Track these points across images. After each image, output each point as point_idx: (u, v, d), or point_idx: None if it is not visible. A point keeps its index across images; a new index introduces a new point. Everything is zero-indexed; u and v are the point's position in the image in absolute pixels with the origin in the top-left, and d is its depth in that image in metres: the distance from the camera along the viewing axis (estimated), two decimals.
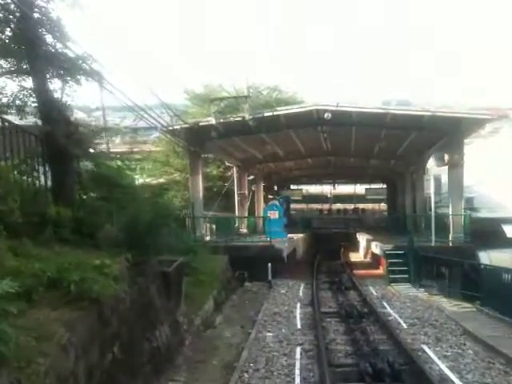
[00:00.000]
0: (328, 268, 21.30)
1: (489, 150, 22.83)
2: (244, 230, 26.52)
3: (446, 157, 16.66)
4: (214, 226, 23.02)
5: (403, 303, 12.80)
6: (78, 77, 9.79)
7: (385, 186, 39.38)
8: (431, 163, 25.49)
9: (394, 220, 36.12)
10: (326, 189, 48.81)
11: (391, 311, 11.82)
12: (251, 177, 29.76)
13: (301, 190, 40.43)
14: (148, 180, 35.80)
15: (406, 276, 15.90)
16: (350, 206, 46.21)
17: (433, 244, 16.64)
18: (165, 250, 12.63)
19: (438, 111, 16.05)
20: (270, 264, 15.96)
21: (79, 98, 10.82)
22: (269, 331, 10.07)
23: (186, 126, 17.41)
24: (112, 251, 8.78)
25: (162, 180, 35.45)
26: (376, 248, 18.85)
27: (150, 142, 36.21)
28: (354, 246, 33.56)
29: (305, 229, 32.34)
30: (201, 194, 18.79)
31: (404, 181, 31.10)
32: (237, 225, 26.61)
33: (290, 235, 23.72)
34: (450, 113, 16.06)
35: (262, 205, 29.51)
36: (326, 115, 16.42)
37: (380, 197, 38.35)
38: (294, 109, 16.75)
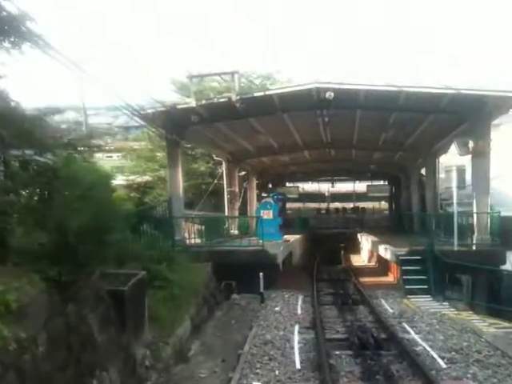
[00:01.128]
0: (329, 275, 18.60)
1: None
2: (235, 232, 23.88)
3: (471, 144, 13.99)
4: (202, 228, 20.36)
5: (430, 325, 10.09)
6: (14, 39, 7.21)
7: (386, 182, 36.78)
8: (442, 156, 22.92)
9: (397, 219, 33.59)
10: (324, 187, 46.25)
11: (417, 338, 9.12)
12: (243, 173, 27.06)
13: (297, 187, 37.68)
14: (132, 178, 33.19)
15: (426, 287, 13.23)
16: (349, 205, 43.62)
17: (455, 248, 13.98)
18: (123, 260, 9.93)
19: (464, 89, 13.38)
20: (261, 273, 13.24)
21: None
22: (256, 373, 7.33)
23: (163, 109, 14.64)
24: (31, 267, 6.18)
25: (147, 178, 32.85)
26: (386, 252, 16.18)
27: (134, 139, 33.56)
28: (355, 248, 31.01)
29: (302, 229, 29.63)
30: (181, 190, 16.02)
31: (410, 176, 28.47)
32: (226, 226, 23.99)
33: (285, 237, 21.08)
34: (478, 91, 13.39)
35: (255, 204, 26.81)
36: (327, 94, 13.70)
37: (383, 194, 35.66)
38: (290, 87, 14.02)
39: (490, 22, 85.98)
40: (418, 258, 13.75)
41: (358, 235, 29.42)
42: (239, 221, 24.45)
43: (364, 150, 24.64)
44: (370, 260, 22.47)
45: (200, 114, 14.87)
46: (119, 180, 33.49)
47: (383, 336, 9.17)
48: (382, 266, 19.60)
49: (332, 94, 13.67)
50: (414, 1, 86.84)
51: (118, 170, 37.04)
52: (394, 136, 19.38)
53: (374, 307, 11.76)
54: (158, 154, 30.94)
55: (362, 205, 41.34)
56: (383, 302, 12.71)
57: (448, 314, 11.17)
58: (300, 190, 39.56)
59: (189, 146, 31.76)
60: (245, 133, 18.85)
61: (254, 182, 28.48)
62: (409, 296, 13.07)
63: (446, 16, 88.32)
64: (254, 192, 28.57)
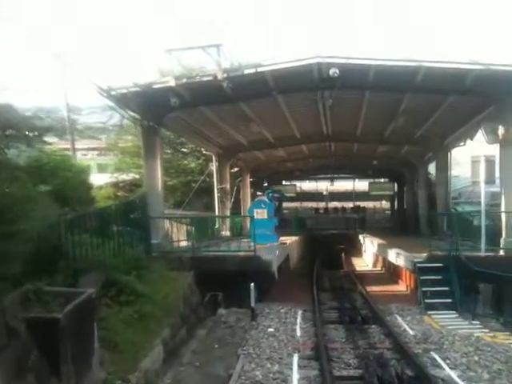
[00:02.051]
0: (331, 282, 16.38)
1: None
2: (226, 233, 21.69)
3: (501, 130, 11.82)
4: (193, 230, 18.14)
5: (465, 355, 7.84)
6: None
7: (388, 180, 34.56)
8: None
9: (401, 220, 31.43)
10: (322, 185, 44.10)
11: (454, 376, 6.89)
12: (236, 169, 24.81)
13: (294, 185, 35.41)
14: (121, 176, 30.99)
15: (449, 300, 11.02)
16: (348, 205, 41.46)
17: (483, 253, 11.78)
18: (81, 270, 7.83)
19: (494, 64, 11.20)
20: (253, 284, 11.01)
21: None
22: None
23: (136, 89, 12.39)
24: None
25: (134, 175, 30.59)
26: (398, 258, 13.97)
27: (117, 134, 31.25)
28: (356, 250, 28.89)
29: (299, 230, 27.41)
30: (160, 186, 13.73)
31: (416, 173, 26.34)
32: (217, 226, 21.79)
33: (282, 239, 18.93)
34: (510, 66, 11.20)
35: (249, 203, 24.58)
36: (331, 72, 11.49)
37: (386, 193, 33.45)
38: (287, 63, 11.78)
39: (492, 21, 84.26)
40: (440, 265, 11.55)
41: (360, 237, 27.25)
42: (231, 221, 22.27)
43: (367, 144, 22.45)
44: (375, 265, 20.31)
45: (181, 95, 12.61)
46: (108, 179, 31.47)
47: (409, 373, 6.95)
48: (391, 272, 17.42)
49: (337, 71, 11.45)
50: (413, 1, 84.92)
51: (102, 167, 35.04)
52: (404, 126, 17.17)
53: (390, 327, 9.54)
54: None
55: (362, 204, 39.22)
56: (399, 319, 10.48)
57: (483, 338, 8.97)
58: (297, 188, 37.35)
59: (179, 142, 29.91)
60: (235, 122, 16.61)
61: (248, 180, 26.25)
62: (429, 312, 10.86)
63: (446, 16, 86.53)
64: (248, 190, 26.36)
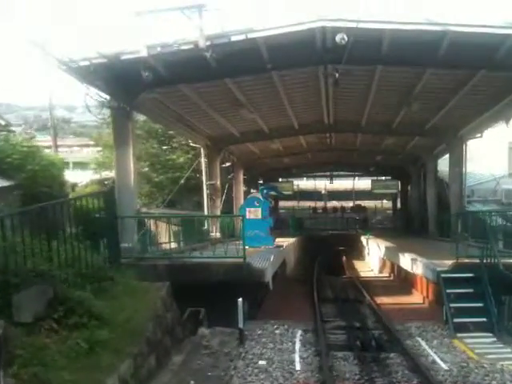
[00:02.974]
0: (334, 291, 14.24)
1: None
2: (216, 235, 19.58)
3: None
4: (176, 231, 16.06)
5: None
6: None
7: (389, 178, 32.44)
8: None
9: (405, 220, 29.40)
10: (320, 184, 42.03)
11: None
12: (227, 164, 22.65)
13: (291, 182, 33.23)
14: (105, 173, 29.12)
15: (484, 319, 8.91)
16: (347, 204, 39.37)
17: None
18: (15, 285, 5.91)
19: None
20: (241, 300, 8.86)
21: None
22: None
23: (102, 61, 10.21)
24: None
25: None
26: (415, 265, 11.82)
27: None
28: (358, 252, 26.89)
29: (296, 231, 25.29)
30: (132, 179, 11.53)
31: (423, 169, 24.36)
32: (206, 227, 19.69)
33: (278, 240, 16.89)
34: None
35: (242, 201, 22.44)
36: (338, 38, 9.32)
37: (390, 191, 31.32)
38: (283, 27, 9.61)
39: None
40: (470, 275, 9.44)
41: (362, 238, 25.17)
42: (222, 221, 20.14)
43: (373, 136, 20.36)
44: (381, 270, 18.21)
45: (155, 69, 10.43)
46: (94, 176, 29.30)
47: None
48: (401, 280, 15.33)
49: (345, 36, 9.30)
50: None
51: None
52: (416, 113, 15.08)
53: (415, 358, 7.41)
54: None
55: (363, 203, 37.14)
56: (423, 344, 8.35)
57: None
58: (294, 187, 35.18)
59: (168, 136, 27.70)
60: (224, 106, 14.46)
61: (241, 176, 24.12)
62: (459, 334, 8.74)
63: None
64: (241, 187, 24.23)
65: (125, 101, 11.04)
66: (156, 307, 8.56)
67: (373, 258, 20.51)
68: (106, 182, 28.08)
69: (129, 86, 10.90)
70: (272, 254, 12.80)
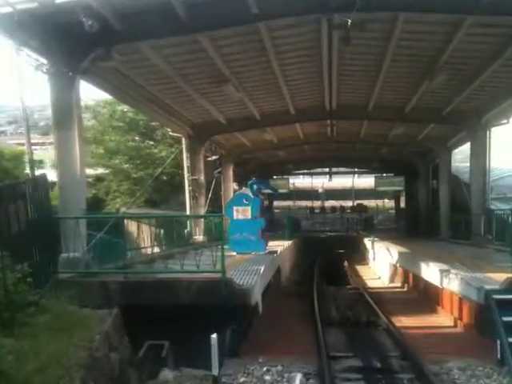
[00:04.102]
0: (340, 309, 11.55)
1: None
2: (200, 238, 17.05)
3: None
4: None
5: None
6: None
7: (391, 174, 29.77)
8: None
9: (412, 220, 26.84)
10: (318, 182, 39.48)
11: None
12: (214, 157, 20.01)
13: (287, 179, 30.52)
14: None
15: None
16: (347, 203, 36.80)
17: None
18: None
19: None
20: (215, 336, 6.19)
21: None
22: None
23: (31, 6, 7.53)
24: None
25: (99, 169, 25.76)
26: (446, 278, 9.12)
27: None
28: (360, 256, 24.35)
29: (292, 233, 22.60)
30: (78, 170, 8.77)
31: (433, 163, 21.86)
32: (188, 229, 17.16)
33: (271, 244, 14.36)
34: None
35: None
36: None
37: (396, 188, 28.65)
38: None
39: None
40: None
41: (366, 241, 22.57)
42: (208, 222, 17.51)
43: (380, 124, 17.78)
44: (392, 279, 15.58)
45: (104, 20, 7.76)
46: None
47: None
48: (419, 292, 12.70)
49: None
50: None
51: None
52: (437, 92, 12.53)
53: None
54: (111, 137, 23.84)
55: (364, 203, 34.58)
56: None
57: None
58: (290, 185, 32.47)
59: (149, 127, 25.02)
60: (204, 81, 11.81)
61: (231, 171, 21.48)
62: None
63: None
64: (231, 185, 21.64)
65: (66, 64, 8.32)
66: (93, 346, 5.88)
67: (379, 263, 17.89)
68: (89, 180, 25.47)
69: (71, 43, 8.19)
70: (263, 263, 10.18)
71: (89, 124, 24.92)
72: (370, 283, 16.39)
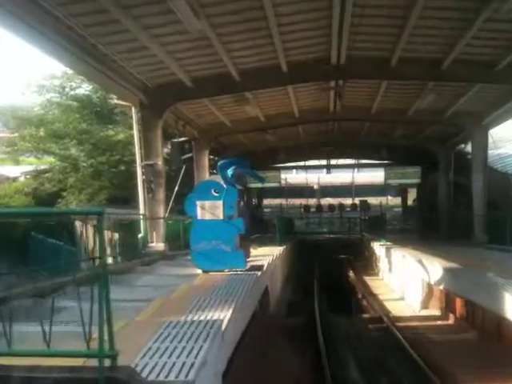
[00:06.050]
0: (364, 368, 6.95)
1: None
2: (159, 246, 12.56)
3: None
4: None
5: None
6: None
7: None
8: None
9: (427, 220, 22.38)
10: (312, 177, 35.18)
11: None
12: (182, 139, 15.35)
13: (278, 171, 25.74)
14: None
15: None
16: (346, 201, 32.44)
17: None
18: None
19: None
20: None
21: None
22: None
23: None
24: None
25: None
26: None
27: None
28: (365, 261, 20.12)
29: (285, 237, 17.96)
30: None
31: (456, 150, 17.48)
32: (142, 234, 12.74)
33: (255, 255, 9.75)
34: None
35: None
36: None
37: (411, 181, 23.97)
38: None
39: None
40: None
41: (376, 246, 18.10)
42: (168, 225, 12.98)
43: (404, 89, 13.29)
44: (426, 303, 10.99)
45: None
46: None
47: None
48: (477, 328, 8.18)
49: None
50: None
51: None
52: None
53: None
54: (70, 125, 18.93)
55: (366, 200, 30.11)
56: None
57: None
58: (282, 180, 27.86)
59: (108, 106, 20.26)
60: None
61: (206, 158, 16.83)
62: None
63: None
64: (206, 175, 16.92)
65: None
66: None
67: (401, 278, 13.34)
68: (46, 175, 20.70)
69: None
70: (238, 296, 5.60)
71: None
72: (393, 308, 11.78)
